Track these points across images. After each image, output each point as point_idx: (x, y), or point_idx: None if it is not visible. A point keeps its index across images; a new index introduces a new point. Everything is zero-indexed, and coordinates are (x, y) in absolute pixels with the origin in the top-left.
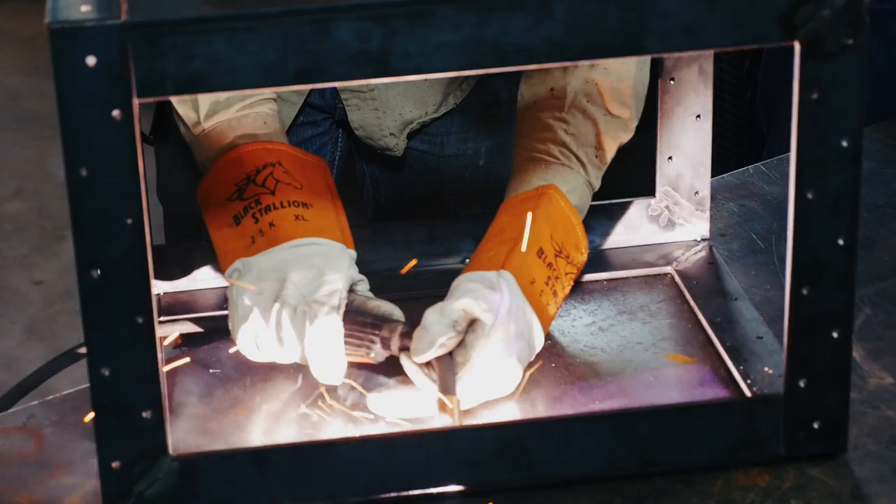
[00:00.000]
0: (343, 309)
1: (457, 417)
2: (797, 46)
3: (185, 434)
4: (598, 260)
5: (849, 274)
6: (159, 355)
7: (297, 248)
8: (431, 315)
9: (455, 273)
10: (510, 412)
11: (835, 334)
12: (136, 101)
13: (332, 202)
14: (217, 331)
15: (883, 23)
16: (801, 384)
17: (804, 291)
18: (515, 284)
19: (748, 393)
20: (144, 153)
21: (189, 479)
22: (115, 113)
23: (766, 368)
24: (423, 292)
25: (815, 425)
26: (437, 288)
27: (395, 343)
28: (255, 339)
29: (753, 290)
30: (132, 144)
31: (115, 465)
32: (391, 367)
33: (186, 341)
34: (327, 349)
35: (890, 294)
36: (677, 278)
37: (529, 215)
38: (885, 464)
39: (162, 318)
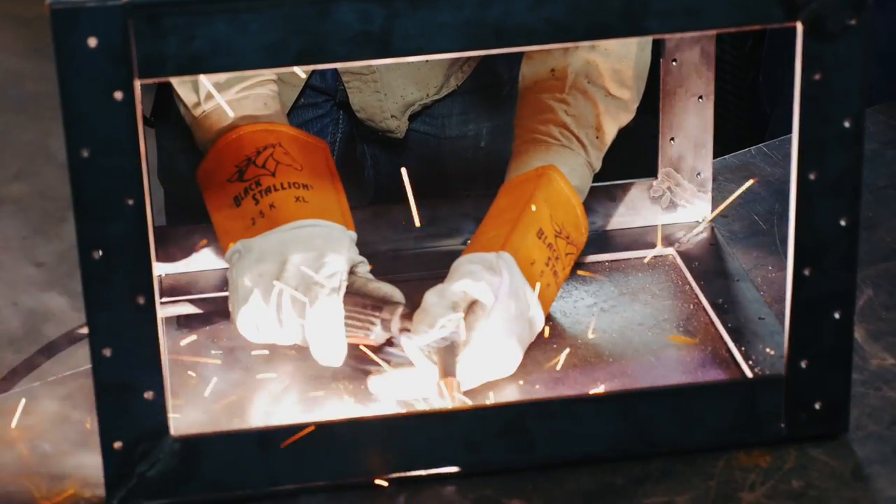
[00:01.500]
0: (343, 290)
1: (456, 399)
2: (799, 27)
3: (186, 415)
4: (600, 241)
5: (850, 255)
6: (161, 336)
7: (298, 229)
8: (431, 297)
9: (457, 254)
10: (511, 393)
11: (836, 315)
12: (137, 83)
13: (333, 184)
14: (218, 312)
15: (887, 3)
16: (803, 365)
17: (806, 272)
18: (515, 265)
19: (750, 374)
20: (145, 135)
21: (191, 459)
22: (117, 94)
23: (767, 349)
24: (424, 273)
25: (817, 406)
26: (438, 269)
27: (396, 325)
28: (255, 320)
29: (755, 272)
30: (133, 126)
31: (116, 445)
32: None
33: (187, 323)
34: (327, 331)
35: (892, 275)
36: (679, 259)
37: (529, 196)
38: (886, 444)
39: (163, 300)
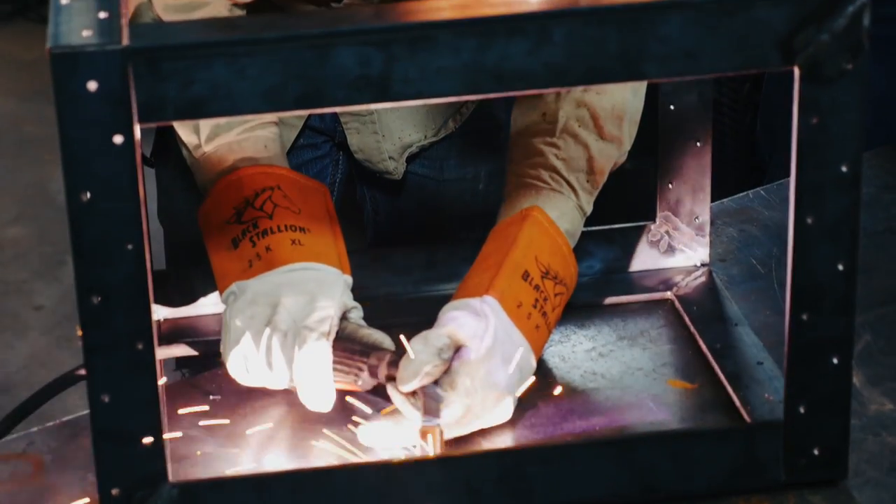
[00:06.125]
0: (333, 335)
1: (438, 447)
2: (796, 71)
3: (184, 460)
4: (598, 285)
5: (848, 299)
6: (159, 381)
7: (292, 272)
8: (416, 344)
9: None
10: (508, 439)
11: (835, 360)
12: (137, 127)
13: (331, 227)
14: (216, 355)
15: (883, 47)
16: (801, 410)
17: (804, 317)
18: (501, 309)
19: (748, 419)
20: (145, 176)
21: None
22: (117, 138)
23: (766, 394)
24: (422, 318)
25: (816, 451)
26: (436, 314)
27: (383, 371)
28: (245, 362)
29: (753, 316)
30: (133, 169)
31: (114, 492)
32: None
33: (185, 366)
34: (315, 375)
35: (890, 320)
36: (677, 304)
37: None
38: (885, 490)
39: (161, 344)
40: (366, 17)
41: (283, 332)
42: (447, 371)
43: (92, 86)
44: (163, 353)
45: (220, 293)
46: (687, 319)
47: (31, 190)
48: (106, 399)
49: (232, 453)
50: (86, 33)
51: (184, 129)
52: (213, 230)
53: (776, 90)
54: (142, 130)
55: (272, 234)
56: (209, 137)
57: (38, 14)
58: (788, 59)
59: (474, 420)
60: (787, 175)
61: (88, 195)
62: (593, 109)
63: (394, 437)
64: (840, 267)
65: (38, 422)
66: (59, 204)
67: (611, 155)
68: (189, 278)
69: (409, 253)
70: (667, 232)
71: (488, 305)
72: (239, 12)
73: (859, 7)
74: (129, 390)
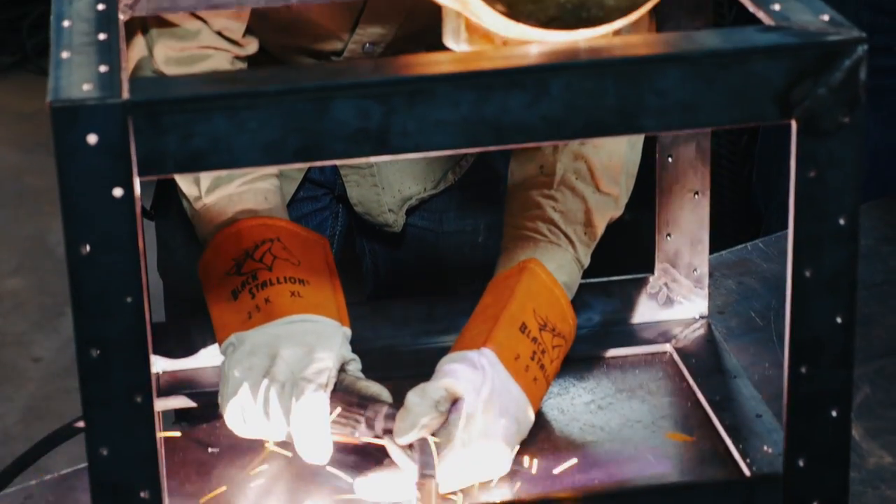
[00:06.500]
0: (331, 387)
1: (435, 500)
2: (794, 124)
3: None
4: (597, 337)
5: (847, 352)
6: (158, 434)
7: (291, 324)
8: (413, 396)
9: None
10: (507, 492)
11: (834, 413)
12: (136, 180)
13: (330, 279)
14: (215, 407)
15: (879, 99)
16: (801, 463)
17: (803, 370)
18: (498, 362)
19: (748, 472)
20: (145, 228)
21: None
22: (116, 191)
23: (765, 447)
24: (421, 371)
25: None
26: (435, 366)
27: (380, 424)
28: (242, 413)
29: (752, 368)
30: (133, 223)
31: None
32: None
33: (184, 419)
34: (313, 427)
35: (888, 373)
36: (676, 356)
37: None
38: None
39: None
40: (365, 70)
41: (280, 383)
42: (444, 424)
43: (92, 139)
44: (162, 405)
45: (219, 344)
46: (686, 372)
47: (31, 241)
48: (104, 452)
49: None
50: (86, 87)
51: (184, 181)
52: (213, 282)
53: (771, 141)
54: (141, 183)
55: (271, 286)
56: (209, 189)
57: (38, 66)
58: (786, 112)
59: (471, 473)
60: (783, 226)
61: (88, 248)
62: (590, 163)
63: (390, 490)
64: (839, 320)
65: (36, 475)
66: (58, 255)
67: (608, 208)
68: (188, 331)
69: (407, 305)
70: (665, 284)
71: (486, 358)
72: (240, 65)
73: (856, 61)
74: (127, 443)
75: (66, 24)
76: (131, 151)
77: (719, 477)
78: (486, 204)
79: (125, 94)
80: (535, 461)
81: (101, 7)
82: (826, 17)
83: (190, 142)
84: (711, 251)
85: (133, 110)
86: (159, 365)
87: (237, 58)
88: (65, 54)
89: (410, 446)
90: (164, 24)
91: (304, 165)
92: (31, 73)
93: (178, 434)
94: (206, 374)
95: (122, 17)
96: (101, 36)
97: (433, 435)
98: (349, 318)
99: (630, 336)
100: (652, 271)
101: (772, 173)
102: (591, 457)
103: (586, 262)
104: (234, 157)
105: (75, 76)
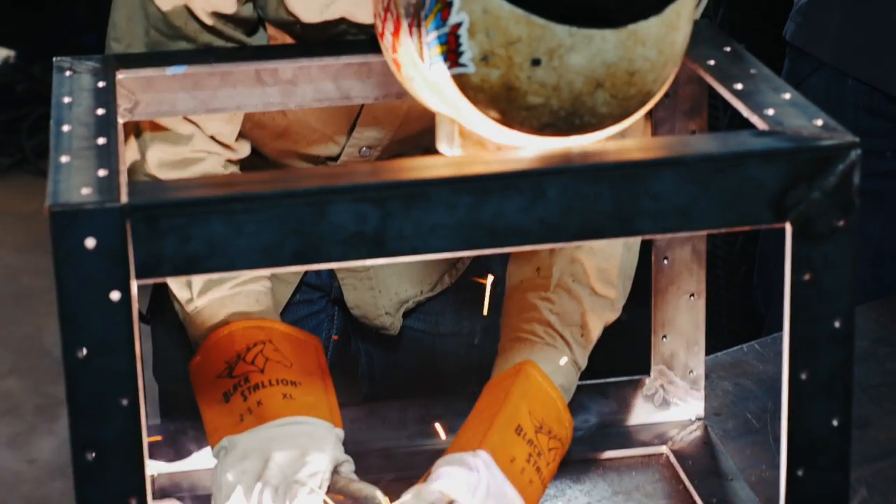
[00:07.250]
0: (325, 489)
1: None
2: (788, 228)
3: None
4: (593, 439)
5: (844, 455)
6: None
7: (283, 426)
8: (407, 498)
9: None
10: None
11: None
12: (134, 283)
13: (322, 380)
14: None
15: (879, 202)
16: None
17: (800, 472)
18: (493, 464)
19: None
20: (141, 332)
21: None
22: (114, 295)
23: None
24: (417, 473)
25: None
26: (430, 468)
27: None
28: None
29: (749, 471)
30: (129, 326)
31: None
32: None
33: None
34: None
35: (885, 475)
36: (672, 458)
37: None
38: None
39: (155, 500)
40: (362, 174)
41: (274, 486)
42: None
43: (90, 243)
44: None
45: (212, 447)
46: (682, 474)
47: (27, 342)
48: None
49: None
50: (85, 191)
51: (176, 284)
52: (205, 384)
53: (772, 242)
54: (137, 289)
55: (263, 389)
56: (201, 292)
57: (36, 167)
58: (780, 216)
59: None
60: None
61: (85, 351)
62: (587, 265)
63: None
64: (835, 422)
65: None
66: (54, 356)
67: (604, 310)
68: (183, 433)
69: (403, 407)
70: (661, 386)
71: (481, 460)
72: (232, 168)
73: (849, 165)
74: None
75: (65, 128)
76: (129, 255)
77: None
78: (483, 306)
79: (123, 198)
80: None
81: (100, 112)
82: (820, 122)
83: (188, 245)
84: (708, 352)
85: (132, 214)
86: (154, 467)
87: (229, 161)
88: (64, 158)
89: None
90: (157, 127)
91: (301, 269)
92: (30, 174)
93: None
94: (200, 475)
95: (120, 120)
96: (101, 140)
97: None
98: (343, 420)
99: (626, 438)
100: (648, 373)
101: (772, 274)
102: None
103: (583, 363)
104: (232, 261)
105: (74, 180)
